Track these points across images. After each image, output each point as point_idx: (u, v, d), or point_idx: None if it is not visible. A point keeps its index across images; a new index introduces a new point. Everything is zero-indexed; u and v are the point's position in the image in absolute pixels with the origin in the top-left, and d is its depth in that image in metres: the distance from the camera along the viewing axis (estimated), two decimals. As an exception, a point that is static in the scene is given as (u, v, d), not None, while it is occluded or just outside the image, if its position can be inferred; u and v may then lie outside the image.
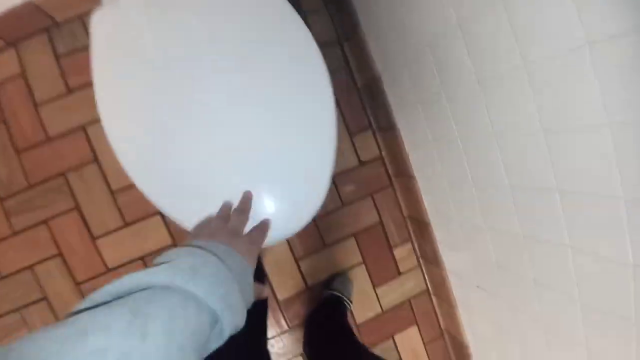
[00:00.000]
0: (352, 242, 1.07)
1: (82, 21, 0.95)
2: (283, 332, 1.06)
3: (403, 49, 0.72)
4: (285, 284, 1.05)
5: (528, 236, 0.56)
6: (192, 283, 0.30)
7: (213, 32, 0.54)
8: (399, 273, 1.10)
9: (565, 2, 0.35)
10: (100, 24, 0.56)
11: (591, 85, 0.36)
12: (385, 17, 0.75)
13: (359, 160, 1.05)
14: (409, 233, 1.10)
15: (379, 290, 1.10)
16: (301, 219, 0.55)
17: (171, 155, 0.55)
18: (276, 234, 0.54)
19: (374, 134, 1.05)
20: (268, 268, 1.04)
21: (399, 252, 1.10)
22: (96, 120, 0.89)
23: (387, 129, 0.97)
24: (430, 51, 0.62)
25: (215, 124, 0.55)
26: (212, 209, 0.52)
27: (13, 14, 0.85)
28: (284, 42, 0.55)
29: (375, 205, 1.07)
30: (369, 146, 1.05)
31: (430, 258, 1.02)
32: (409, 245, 1.11)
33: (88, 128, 0.97)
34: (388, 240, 1.09)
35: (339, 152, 0.99)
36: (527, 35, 0.42)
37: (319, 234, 1.05)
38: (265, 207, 0.54)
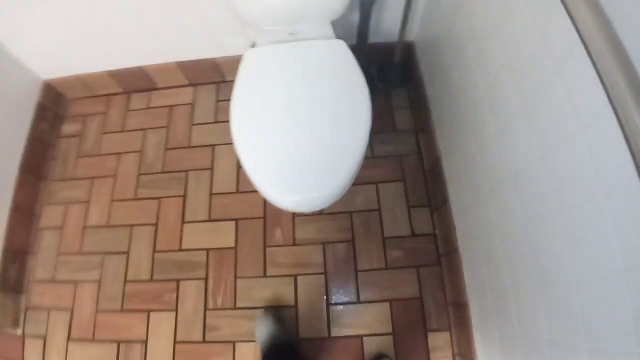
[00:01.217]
0: (386, 308, 1.08)
1: (246, 84, 1.40)
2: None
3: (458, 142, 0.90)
4: (310, 325, 1.08)
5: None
6: None
7: (307, 77, 0.86)
8: (429, 361, 1.02)
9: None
10: (249, 60, 0.91)
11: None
12: (450, 122, 0.96)
13: (412, 232, 1.14)
14: (449, 322, 1.06)
15: (401, 373, 1.02)
16: (340, 177, 0.77)
17: (272, 137, 0.81)
18: (320, 193, 0.74)
19: (431, 213, 1.16)
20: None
21: (434, 339, 1.05)
22: (222, 144, 1.27)
23: (441, 207, 1.07)
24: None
25: (301, 121, 0.80)
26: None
27: (200, 65, 1.33)
28: (346, 90, 0.86)
29: (419, 279, 1.10)
30: (424, 222, 1.15)
31: None
32: (446, 336, 1.05)
33: (215, 148, 1.32)
34: (425, 321, 1.06)
35: (395, 218, 1.12)
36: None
37: (356, 285, 1.10)
38: (319, 162, 0.78)
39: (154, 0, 1.06)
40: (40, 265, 1.21)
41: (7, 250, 1.15)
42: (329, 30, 0.97)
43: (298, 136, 0.81)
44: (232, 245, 1.17)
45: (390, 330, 1.06)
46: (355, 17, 1.12)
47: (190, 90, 1.43)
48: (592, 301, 0.48)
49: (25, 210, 1.25)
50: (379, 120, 1.28)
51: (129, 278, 1.16)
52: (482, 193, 0.82)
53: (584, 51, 0.40)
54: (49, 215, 1.28)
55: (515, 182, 0.66)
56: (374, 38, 1.21)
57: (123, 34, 1.19)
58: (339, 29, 0.98)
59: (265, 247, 1.16)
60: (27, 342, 1.13)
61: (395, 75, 1.30)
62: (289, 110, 0.85)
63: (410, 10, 1.08)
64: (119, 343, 1.10)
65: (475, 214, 0.87)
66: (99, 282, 1.17)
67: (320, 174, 0.78)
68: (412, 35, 1.25)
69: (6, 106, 1.22)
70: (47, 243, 1.24)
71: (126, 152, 1.34)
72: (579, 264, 0.50)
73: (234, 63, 1.25)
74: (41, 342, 1.13)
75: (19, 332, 1.14)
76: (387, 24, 1.20)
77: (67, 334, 1.13)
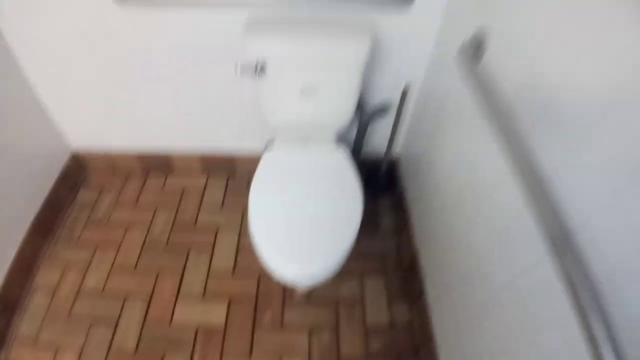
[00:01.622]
0: (365, 400, 1.10)
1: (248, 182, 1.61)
2: None
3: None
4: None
5: None
6: None
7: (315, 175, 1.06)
8: None
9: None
10: (268, 158, 1.13)
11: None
12: (432, 225, 1.17)
13: (392, 322, 1.23)
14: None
15: None
16: (333, 256, 0.92)
17: (281, 220, 0.97)
18: (318, 266, 0.87)
19: (409, 305, 1.27)
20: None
21: None
22: (223, 229, 1.41)
23: (417, 300, 1.20)
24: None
25: (306, 210, 0.98)
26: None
27: (218, 158, 1.56)
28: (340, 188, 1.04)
29: (396, 369, 1.15)
30: (402, 313, 1.25)
31: None
32: None
33: (218, 232, 1.45)
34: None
35: (376, 308, 1.23)
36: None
37: (338, 374, 1.14)
38: (318, 242, 0.94)
39: (194, 95, 1.32)
40: (26, 322, 1.21)
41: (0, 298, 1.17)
42: (332, 140, 1.23)
43: (303, 221, 0.98)
44: (222, 323, 1.22)
45: None
46: (352, 135, 1.41)
47: (203, 178, 1.62)
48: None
49: (25, 267, 1.29)
50: (365, 220, 1.47)
51: (113, 347, 1.16)
52: (451, 285, 0.97)
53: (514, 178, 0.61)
54: (46, 275, 1.32)
55: (480, 274, 0.83)
56: (365, 152, 1.49)
57: (159, 122, 1.42)
58: (339, 142, 1.24)
59: (253, 328, 1.21)
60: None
61: (380, 183, 1.55)
62: (296, 200, 1.03)
63: (395, 134, 1.37)
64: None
65: (448, 303, 1.00)
66: (81, 350, 1.16)
67: (318, 251, 0.93)
68: (396, 152, 1.54)
69: (34, 166, 1.36)
70: (37, 301, 1.26)
71: (134, 225, 1.46)
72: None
73: (246, 160, 1.50)
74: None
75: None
76: (376, 142, 1.49)
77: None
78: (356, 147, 1.43)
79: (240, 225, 1.47)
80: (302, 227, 0.98)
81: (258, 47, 0.99)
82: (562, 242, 0.48)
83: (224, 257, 1.38)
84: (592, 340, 0.40)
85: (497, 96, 0.70)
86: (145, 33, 1.13)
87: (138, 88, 1.30)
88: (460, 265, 0.93)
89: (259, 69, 1.01)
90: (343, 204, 1.04)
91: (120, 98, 1.34)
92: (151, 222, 1.47)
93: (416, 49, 1.16)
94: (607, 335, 0.40)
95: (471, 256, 0.87)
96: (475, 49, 0.80)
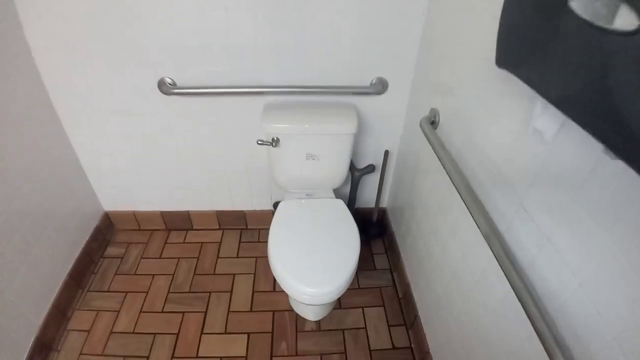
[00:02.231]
0: (375, 416, 1.24)
1: (259, 233, 1.87)
2: None
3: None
4: None
5: None
6: None
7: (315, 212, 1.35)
8: None
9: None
10: (282, 208, 1.42)
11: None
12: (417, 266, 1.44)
13: (393, 345, 1.41)
14: None
15: None
16: (336, 283, 1.14)
17: (296, 256, 1.23)
18: (327, 289, 1.10)
19: (407, 330, 1.46)
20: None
21: None
22: (242, 273, 1.63)
23: (413, 323, 1.40)
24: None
25: (315, 247, 1.24)
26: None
27: (231, 214, 1.83)
28: (341, 229, 1.31)
29: (400, 388, 1.31)
30: (401, 336, 1.44)
31: None
32: None
33: (235, 276, 1.66)
34: None
35: (378, 334, 1.42)
36: None
37: (349, 393, 1.28)
38: (326, 272, 1.15)
39: (215, 164, 1.63)
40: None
41: (37, 339, 1.29)
42: (331, 194, 1.54)
43: (313, 256, 1.23)
44: (243, 354, 1.37)
45: None
46: (347, 190, 1.74)
47: (219, 232, 1.87)
48: None
49: (61, 311, 1.44)
50: (363, 262, 1.73)
51: (145, 380, 1.29)
52: (440, 303, 1.21)
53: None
54: (80, 319, 1.46)
55: (459, 292, 1.09)
56: (359, 204, 1.80)
57: (185, 184, 1.71)
58: (337, 195, 1.56)
59: (271, 357, 1.37)
60: None
61: (373, 230, 1.83)
62: (307, 239, 1.29)
63: (382, 188, 1.71)
64: None
65: (439, 321, 1.23)
66: (115, 384, 1.27)
67: (326, 277, 1.17)
68: (384, 203, 1.85)
69: (73, 222, 1.58)
70: (71, 343, 1.38)
71: (159, 275, 1.65)
72: None
73: (256, 215, 1.78)
74: None
75: None
76: (367, 196, 1.82)
77: None
78: (351, 200, 1.74)
79: (254, 270, 1.68)
80: (313, 260, 1.22)
81: (272, 128, 1.34)
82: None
83: (241, 298, 1.57)
84: None
85: (448, 152, 1.02)
86: (179, 114, 1.46)
87: (166, 157, 1.60)
88: (443, 284, 1.18)
89: (275, 142, 1.35)
90: (344, 239, 1.30)
91: (149, 165, 1.63)
92: (175, 271, 1.67)
93: (392, 122, 1.55)
94: None
95: (448, 274, 1.13)
96: (431, 120, 1.17)
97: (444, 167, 0.95)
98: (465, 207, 0.85)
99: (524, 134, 0.73)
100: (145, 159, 1.61)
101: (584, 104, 0.46)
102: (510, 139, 0.77)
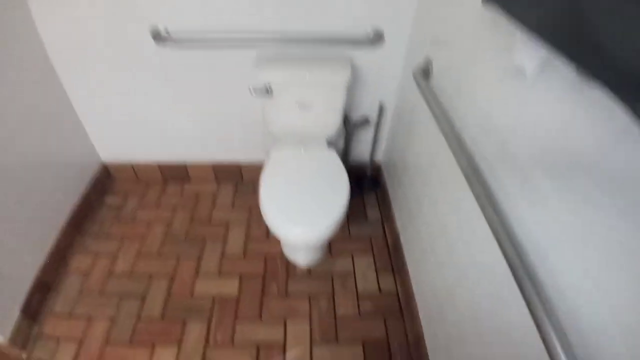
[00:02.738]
0: (359, 350, 1.30)
1: (254, 186, 1.90)
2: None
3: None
4: (295, 363, 1.26)
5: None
6: None
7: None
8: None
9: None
10: (274, 156, 1.43)
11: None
12: (408, 214, 1.46)
13: (379, 290, 1.46)
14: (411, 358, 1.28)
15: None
16: (324, 224, 1.17)
17: (287, 198, 1.25)
18: (314, 229, 1.13)
19: (394, 275, 1.51)
20: None
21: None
22: (234, 224, 1.67)
23: (401, 271, 1.44)
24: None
25: (308, 189, 1.26)
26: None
27: (227, 167, 1.85)
28: (331, 176, 1.32)
29: (385, 326, 1.36)
30: (388, 282, 1.49)
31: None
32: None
33: (229, 225, 1.70)
34: (390, 356, 1.28)
35: (366, 279, 1.46)
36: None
37: (335, 328, 1.34)
38: (318, 211, 1.18)
39: (210, 114, 1.64)
40: (60, 300, 1.39)
41: (37, 278, 1.35)
42: (324, 144, 1.54)
43: (303, 197, 1.26)
44: (235, 294, 1.43)
45: (362, 370, 1.26)
46: (341, 144, 1.74)
47: (215, 184, 1.90)
48: None
49: (60, 254, 1.50)
50: (355, 213, 1.75)
51: (141, 315, 1.35)
52: (426, 253, 1.23)
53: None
54: (78, 263, 1.52)
55: (446, 243, 1.11)
56: (355, 158, 1.81)
57: (181, 136, 1.72)
58: (330, 146, 1.56)
59: (262, 297, 1.42)
60: (30, 367, 1.22)
61: (367, 184, 1.85)
62: (297, 184, 1.31)
63: (376, 143, 1.71)
64: (119, 374, 1.21)
65: (424, 268, 1.26)
66: (113, 318, 1.34)
67: (315, 218, 1.19)
68: (379, 158, 1.86)
69: (71, 172, 1.62)
70: (71, 283, 1.45)
71: (156, 222, 1.70)
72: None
73: (252, 169, 1.79)
74: (44, 368, 1.22)
75: (24, 355, 1.23)
76: (363, 152, 1.82)
77: (71, 364, 1.23)
78: (344, 153, 1.75)
79: (248, 220, 1.72)
80: (303, 200, 1.25)
81: (266, 75, 1.33)
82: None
83: (235, 244, 1.62)
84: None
85: (440, 102, 1.01)
86: (175, 65, 1.45)
87: (162, 109, 1.61)
88: (431, 236, 1.20)
89: (268, 91, 1.35)
90: (333, 184, 1.32)
91: (146, 117, 1.64)
92: (171, 219, 1.71)
93: (388, 74, 1.53)
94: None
95: (436, 227, 1.15)
96: (424, 71, 1.14)
97: (434, 117, 0.94)
98: (454, 160, 0.83)
99: (509, 75, 0.72)
100: (141, 111, 1.61)
101: (562, 28, 0.47)
102: (496, 80, 0.77)
